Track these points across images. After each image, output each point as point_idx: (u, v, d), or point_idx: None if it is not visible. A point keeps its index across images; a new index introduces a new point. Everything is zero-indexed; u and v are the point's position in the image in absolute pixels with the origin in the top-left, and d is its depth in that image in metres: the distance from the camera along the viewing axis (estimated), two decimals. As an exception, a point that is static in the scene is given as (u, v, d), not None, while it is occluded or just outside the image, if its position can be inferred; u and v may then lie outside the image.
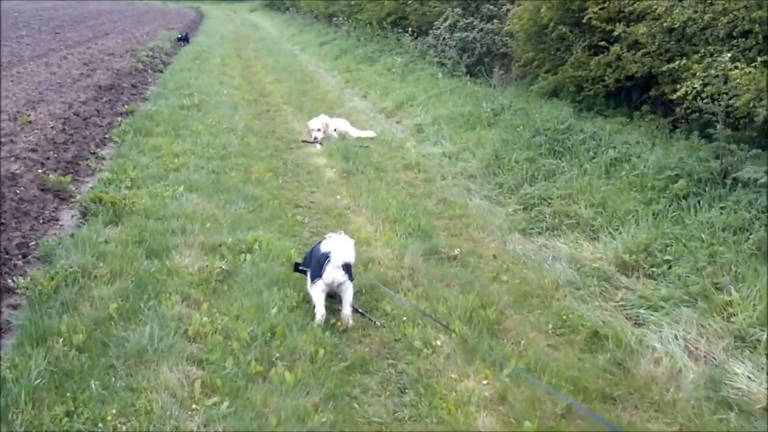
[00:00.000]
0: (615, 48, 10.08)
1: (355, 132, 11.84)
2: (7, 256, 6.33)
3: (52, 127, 10.45)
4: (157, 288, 5.50)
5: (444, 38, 17.34)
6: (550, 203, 7.52)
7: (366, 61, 19.79)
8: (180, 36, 28.11)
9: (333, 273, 5.16)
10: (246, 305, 5.31)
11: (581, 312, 5.43)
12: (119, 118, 12.43)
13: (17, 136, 9.86)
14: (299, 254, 6.37)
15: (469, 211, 7.87)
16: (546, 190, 7.76)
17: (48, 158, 9.09)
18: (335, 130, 11.49)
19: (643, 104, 10.57)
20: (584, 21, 10.93)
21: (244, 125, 12.23)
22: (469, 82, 14.35)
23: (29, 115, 11.27)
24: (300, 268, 5.68)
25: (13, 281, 5.70)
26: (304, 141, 11.29)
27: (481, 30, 16.10)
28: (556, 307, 5.57)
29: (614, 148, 8.16)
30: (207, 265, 5.91)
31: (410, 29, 19.48)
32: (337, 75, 19.24)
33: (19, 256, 6.45)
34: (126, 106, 13.61)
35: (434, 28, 18.23)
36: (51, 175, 8.35)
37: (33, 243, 6.68)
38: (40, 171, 8.54)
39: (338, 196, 8.43)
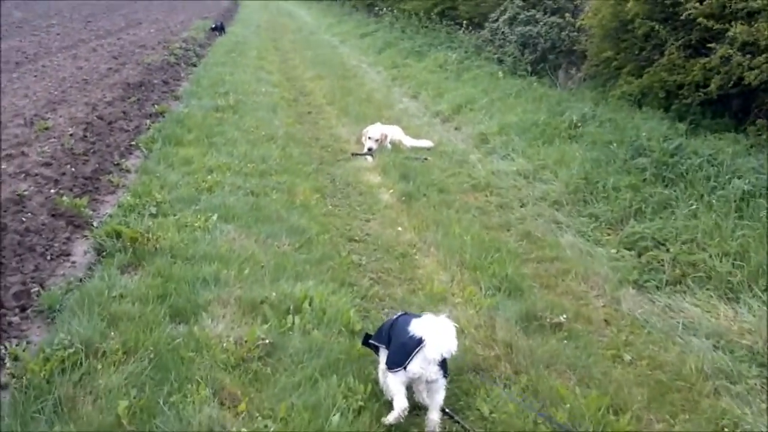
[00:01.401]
0: (722, 49, 8.56)
1: (409, 141, 10.48)
2: (2, 310, 5.11)
3: (71, 135, 9.22)
4: (183, 372, 4.19)
5: (502, 32, 15.86)
6: (667, 247, 6.06)
7: (413, 56, 18.39)
8: (215, 25, 26.89)
9: (424, 367, 3.85)
10: (297, 404, 3.96)
11: (746, 421, 4.00)
12: (148, 121, 11.21)
13: (31, 146, 8.64)
14: (359, 313, 5.06)
15: (562, 253, 6.45)
16: (660, 230, 6.31)
17: (64, 174, 7.86)
18: (389, 140, 10.12)
19: (745, 114, 9.08)
20: (681, 16, 9.41)
21: (285, 131, 10.91)
22: (535, 83, 12.86)
23: (47, 119, 10.05)
24: (371, 342, 4.35)
25: (5, 348, 4.48)
26: (354, 153, 9.93)
27: (546, 24, 14.58)
28: (709, 410, 4.15)
29: (740, 177, 6.67)
30: (246, 337, 4.57)
31: (462, 22, 17.95)
32: (383, 71, 17.85)
33: (17, 310, 5.25)
34: (156, 106, 12.40)
35: (490, 20, 16.78)
36: (65, 197, 7.10)
37: (35, 289, 5.46)
38: (52, 191, 7.31)
39: (399, 228, 7.07)
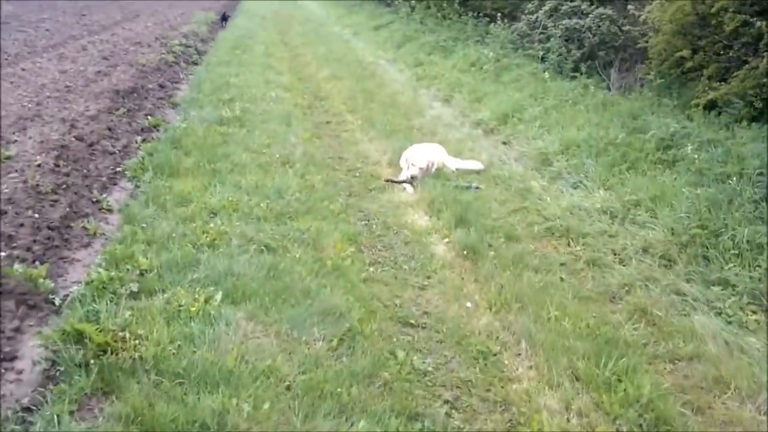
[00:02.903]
0: None
1: (454, 163, 8.65)
2: None
3: (39, 166, 7.37)
4: None
5: (543, 25, 13.96)
6: None
7: (439, 52, 16.51)
8: (221, 16, 25.15)
9: None
10: None
11: None
12: (139, 138, 9.38)
13: (-15, 184, 6.81)
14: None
15: (702, 346, 4.62)
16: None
17: (21, 225, 6.02)
18: (435, 166, 8.27)
19: None
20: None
21: (302, 150, 9.06)
22: (592, 87, 10.96)
23: (12, 143, 8.20)
24: None
25: None
26: (389, 180, 8.07)
27: (599, 17, 12.67)
28: None
29: None
30: None
31: (495, 14, 16.00)
32: (405, 69, 15.95)
33: None
34: (150, 118, 10.57)
35: (526, 12, 14.88)
36: (17, 265, 5.25)
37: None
38: (2, 254, 5.47)
39: (468, 303, 5.23)
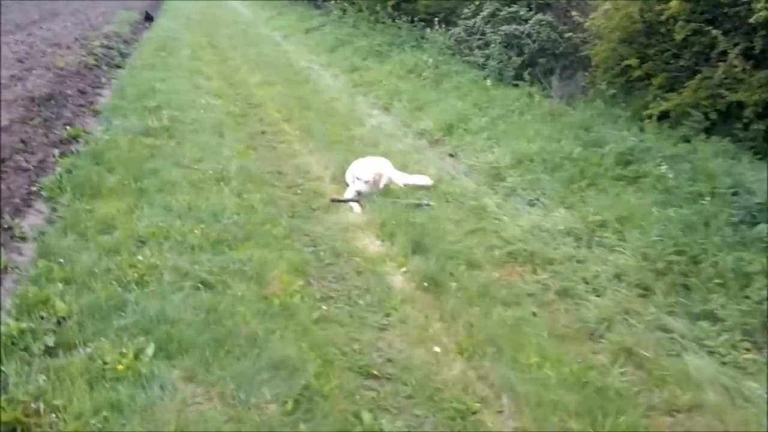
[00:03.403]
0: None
1: (401, 178, 8.11)
2: None
3: (-62, 188, 6.52)
4: None
5: (482, 31, 13.56)
6: None
7: (374, 57, 15.97)
8: (145, 15, 24.11)
9: None
10: None
11: None
12: (56, 152, 8.52)
13: None
14: None
15: (700, 394, 4.18)
16: None
17: None
18: (383, 180, 7.72)
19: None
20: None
21: (238, 164, 8.37)
22: (537, 95, 10.59)
23: None
24: None
25: None
26: (335, 200, 7.47)
27: (539, 23, 12.33)
28: None
29: None
30: None
31: (431, 18, 15.53)
32: (340, 75, 15.33)
33: None
34: (69, 128, 9.68)
35: (463, 17, 14.47)
36: None
37: None
38: None
39: (436, 348, 4.68)
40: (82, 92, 12.18)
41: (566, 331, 4.95)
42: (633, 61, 9.45)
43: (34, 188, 7.29)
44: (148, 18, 24.72)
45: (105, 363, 4.02)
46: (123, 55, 16.90)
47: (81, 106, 11.26)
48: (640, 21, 9.37)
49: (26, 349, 4.14)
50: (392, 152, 9.32)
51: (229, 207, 6.88)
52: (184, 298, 4.94)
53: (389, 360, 4.52)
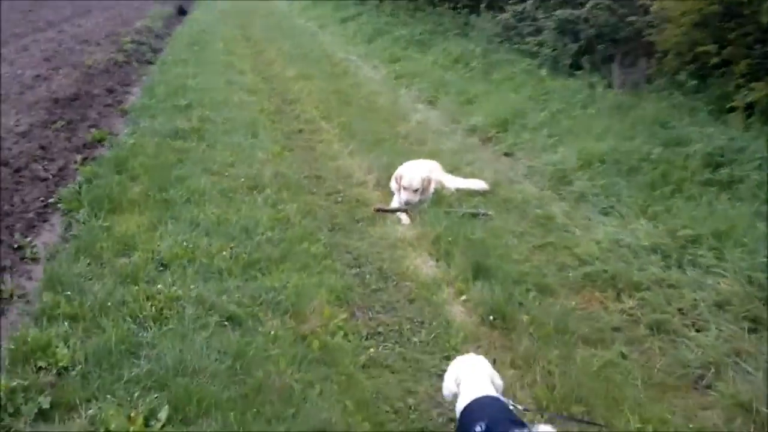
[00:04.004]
0: None
1: (453, 181, 7.26)
2: None
3: (-59, 203, 5.86)
4: None
5: (532, 17, 12.59)
6: None
7: (415, 47, 15.09)
8: (178, 9, 23.56)
9: None
10: None
11: None
12: (79, 158, 7.88)
13: None
14: None
15: None
16: None
17: None
18: (433, 187, 6.89)
19: None
20: None
21: (273, 169, 7.61)
22: (598, 85, 9.64)
23: None
24: None
25: None
26: (380, 210, 6.64)
27: (596, 6, 11.33)
28: None
29: None
30: None
31: (477, 4, 14.57)
32: (380, 66, 14.48)
33: None
34: (94, 130, 9.04)
35: (511, 2, 13.50)
36: None
37: None
38: None
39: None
40: (110, 91, 11.55)
41: (665, 378, 4.08)
42: (710, 47, 8.46)
43: (51, 200, 6.64)
44: (182, 12, 24.17)
45: (108, 432, 3.26)
46: (154, 51, 16.29)
47: (108, 106, 10.62)
48: (718, 2, 8.37)
49: (17, 411, 3.40)
50: (441, 152, 8.49)
51: (263, 220, 6.12)
52: (207, 339, 4.18)
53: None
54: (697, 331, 4.51)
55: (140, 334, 4.19)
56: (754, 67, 8.18)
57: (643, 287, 5.04)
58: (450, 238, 5.70)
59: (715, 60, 8.61)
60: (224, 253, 5.33)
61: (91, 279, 4.84)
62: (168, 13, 23.64)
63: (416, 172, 6.64)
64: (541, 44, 11.84)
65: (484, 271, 5.18)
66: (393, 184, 6.92)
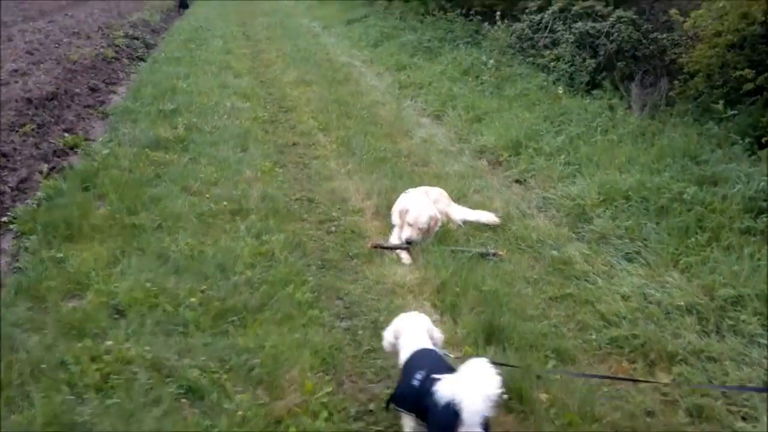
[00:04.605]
0: None
1: (460, 212, 6.52)
2: None
3: None
4: None
5: (550, 28, 11.85)
6: None
7: (423, 54, 14.32)
8: (180, 2, 22.82)
9: None
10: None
11: None
12: (45, 167, 7.12)
13: None
14: None
15: None
16: None
17: None
18: (440, 223, 6.12)
19: None
20: None
21: (260, 191, 6.84)
22: (619, 108, 8.88)
23: None
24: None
25: None
26: (377, 246, 5.86)
27: (619, 20, 10.60)
28: None
29: None
30: None
31: (491, 12, 13.77)
32: (385, 74, 13.72)
33: None
34: (67, 135, 8.30)
35: (527, 11, 12.75)
36: None
37: None
38: None
39: None
40: (93, 90, 10.82)
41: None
42: (746, 72, 7.70)
43: (4, 218, 5.86)
44: (183, 5, 23.41)
45: None
46: (147, 47, 15.57)
47: (88, 107, 9.88)
48: (760, 23, 7.62)
49: None
50: (446, 175, 7.76)
51: (243, 254, 5.37)
52: (160, 419, 3.39)
53: None
54: (743, 419, 3.75)
55: (76, 410, 3.41)
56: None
57: (678, 358, 4.28)
58: (458, 288, 4.91)
59: (749, 86, 7.86)
60: (193, 299, 4.54)
61: (27, 331, 4.04)
62: (168, 6, 22.89)
63: (425, 209, 5.87)
64: (557, 59, 11.07)
65: (496, 331, 4.40)
66: (395, 217, 6.16)
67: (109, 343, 3.97)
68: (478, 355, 3.66)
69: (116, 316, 4.37)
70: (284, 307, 4.67)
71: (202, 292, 4.69)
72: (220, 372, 3.87)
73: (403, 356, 3.57)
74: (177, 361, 3.88)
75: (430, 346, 3.58)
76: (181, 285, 4.75)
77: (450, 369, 3.24)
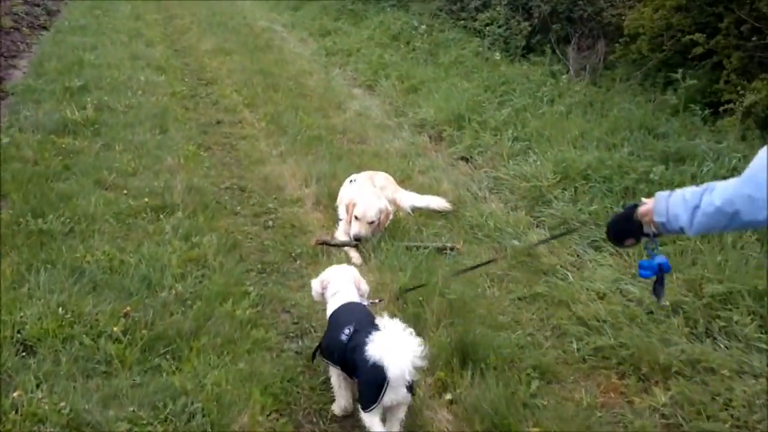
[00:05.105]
0: None
1: (407, 198, 5.97)
2: None
3: None
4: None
5: (481, -10, 11.32)
6: None
7: (348, 18, 13.66)
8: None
9: (395, 395, 3.07)
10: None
11: None
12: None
13: None
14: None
15: None
16: None
17: None
18: (390, 216, 5.55)
19: None
20: None
21: (185, 181, 6.12)
22: (562, 75, 8.45)
23: None
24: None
25: None
26: (322, 243, 5.26)
27: (551, -21, 10.15)
28: None
29: None
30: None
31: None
32: (309, 40, 13.00)
33: None
34: (-43, 121, 7.32)
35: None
36: None
37: None
38: None
39: None
40: (-11, 67, 9.71)
41: None
42: (697, 36, 7.33)
43: None
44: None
45: None
46: (50, 14, 14.27)
47: (-17, 87, 8.82)
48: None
49: None
50: (386, 153, 7.24)
51: (172, 263, 4.70)
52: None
53: None
54: (761, 446, 3.36)
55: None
56: (744, 60, 7.14)
57: (673, 370, 3.84)
58: (421, 297, 4.36)
59: (699, 50, 7.52)
60: (115, 328, 3.85)
61: None
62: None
63: (374, 202, 5.29)
64: (491, 22, 10.54)
65: (472, 349, 3.88)
66: (341, 210, 5.58)
67: (16, 394, 3.27)
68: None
69: (24, 353, 3.65)
70: (223, 329, 4.04)
71: (125, 316, 4.00)
72: (155, 423, 3.23)
73: (331, 308, 3.64)
74: (101, 415, 3.21)
75: (358, 299, 3.66)
76: (100, 308, 4.05)
77: (376, 325, 3.19)
